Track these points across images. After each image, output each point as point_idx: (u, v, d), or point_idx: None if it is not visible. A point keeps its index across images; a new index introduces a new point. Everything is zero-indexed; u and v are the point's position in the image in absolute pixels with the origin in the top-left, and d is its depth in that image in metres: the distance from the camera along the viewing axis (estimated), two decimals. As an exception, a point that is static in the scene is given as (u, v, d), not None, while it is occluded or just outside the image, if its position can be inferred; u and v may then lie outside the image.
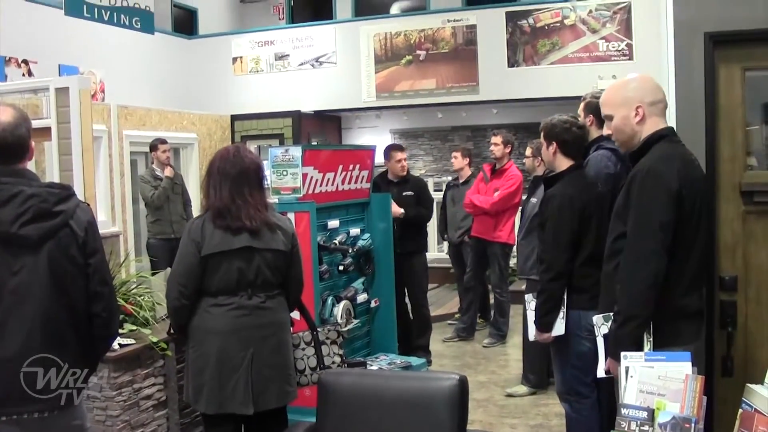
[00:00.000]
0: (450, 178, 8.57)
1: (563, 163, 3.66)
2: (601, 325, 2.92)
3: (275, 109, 11.20)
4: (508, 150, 7.07)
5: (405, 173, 6.43)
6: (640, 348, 2.58)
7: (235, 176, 3.26)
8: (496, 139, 7.06)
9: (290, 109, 11.16)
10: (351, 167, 5.45)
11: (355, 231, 5.54)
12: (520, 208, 6.38)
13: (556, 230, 3.51)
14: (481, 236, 7.12)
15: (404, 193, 6.36)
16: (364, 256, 5.60)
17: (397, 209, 6.09)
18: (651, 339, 2.59)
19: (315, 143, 11.23)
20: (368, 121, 13.11)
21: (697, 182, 2.67)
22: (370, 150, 5.89)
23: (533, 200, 5.37)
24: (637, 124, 2.75)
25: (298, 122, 11.15)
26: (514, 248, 6.65)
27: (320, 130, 12.16)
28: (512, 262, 7.46)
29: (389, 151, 6.46)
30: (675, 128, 2.88)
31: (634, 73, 2.93)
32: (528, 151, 5.88)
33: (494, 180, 7.09)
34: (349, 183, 5.46)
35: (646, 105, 2.74)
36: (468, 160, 7.71)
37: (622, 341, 2.60)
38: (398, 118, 12.98)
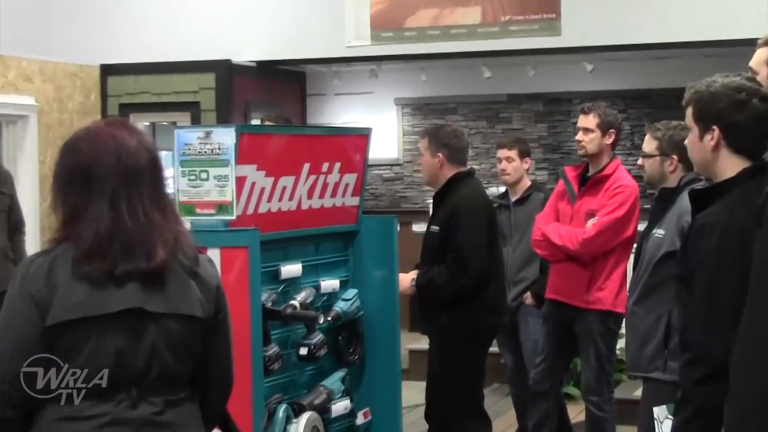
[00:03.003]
0: (501, 190, 8.58)
1: (730, 166, 3.64)
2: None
3: (184, 57, 11.34)
4: (609, 140, 7.09)
5: (429, 179, 6.55)
6: None
7: (138, 173, 3.25)
8: (588, 121, 7.08)
9: (213, 58, 11.27)
10: (325, 167, 5.52)
11: (330, 284, 5.62)
12: (635, 246, 6.35)
13: (717, 291, 3.47)
14: (562, 299, 7.12)
15: (430, 228, 6.47)
16: (347, 331, 5.67)
17: (403, 281, 6.25)
18: None
19: (260, 122, 11.22)
20: (356, 83, 13.24)
21: None
22: (363, 135, 5.96)
23: (659, 233, 5.37)
24: None
25: (227, 82, 11.31)
26: (624, 322, 6.61)
27: (269, 96, 12.22)
28: (619, 345, 7.44)
29: None
30: None
31: None
32: (651, 144, 5.85)
33: (586, 196, 7.11)
34: (322, 196, 5.55)
35: None
36: (528, 163, 7.83)
37: None
38: (411, 78, 13.08)
